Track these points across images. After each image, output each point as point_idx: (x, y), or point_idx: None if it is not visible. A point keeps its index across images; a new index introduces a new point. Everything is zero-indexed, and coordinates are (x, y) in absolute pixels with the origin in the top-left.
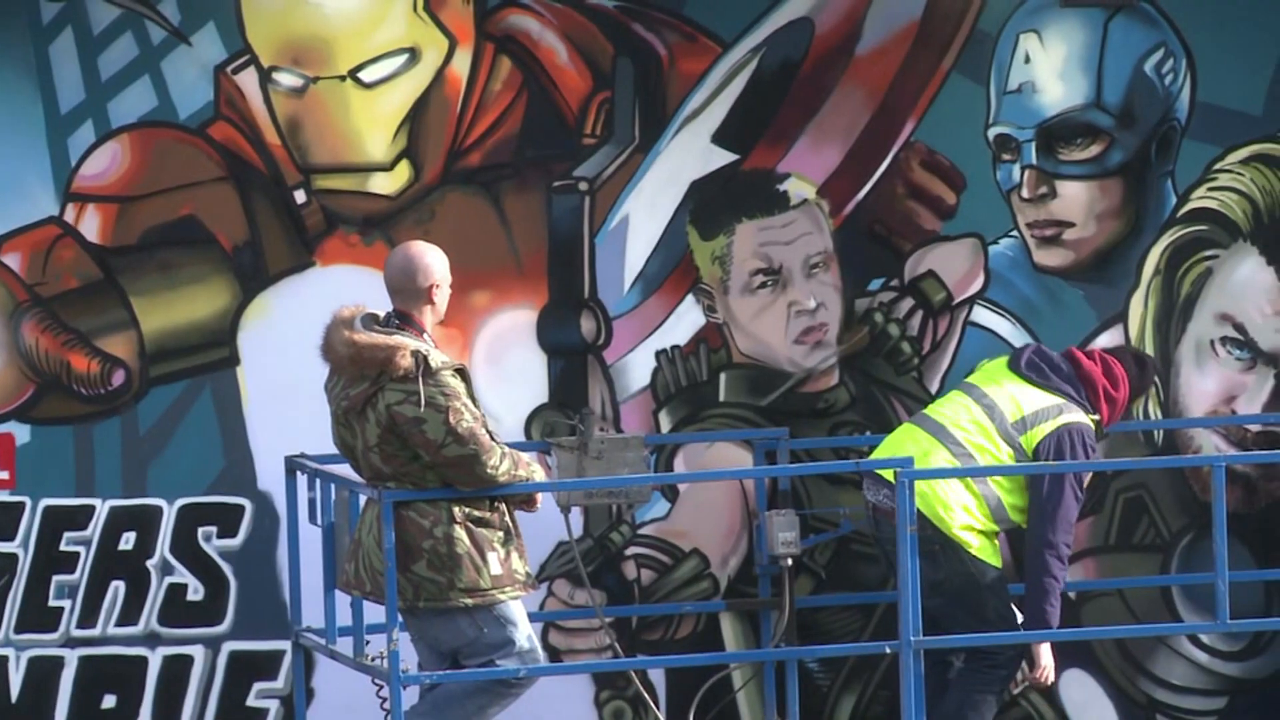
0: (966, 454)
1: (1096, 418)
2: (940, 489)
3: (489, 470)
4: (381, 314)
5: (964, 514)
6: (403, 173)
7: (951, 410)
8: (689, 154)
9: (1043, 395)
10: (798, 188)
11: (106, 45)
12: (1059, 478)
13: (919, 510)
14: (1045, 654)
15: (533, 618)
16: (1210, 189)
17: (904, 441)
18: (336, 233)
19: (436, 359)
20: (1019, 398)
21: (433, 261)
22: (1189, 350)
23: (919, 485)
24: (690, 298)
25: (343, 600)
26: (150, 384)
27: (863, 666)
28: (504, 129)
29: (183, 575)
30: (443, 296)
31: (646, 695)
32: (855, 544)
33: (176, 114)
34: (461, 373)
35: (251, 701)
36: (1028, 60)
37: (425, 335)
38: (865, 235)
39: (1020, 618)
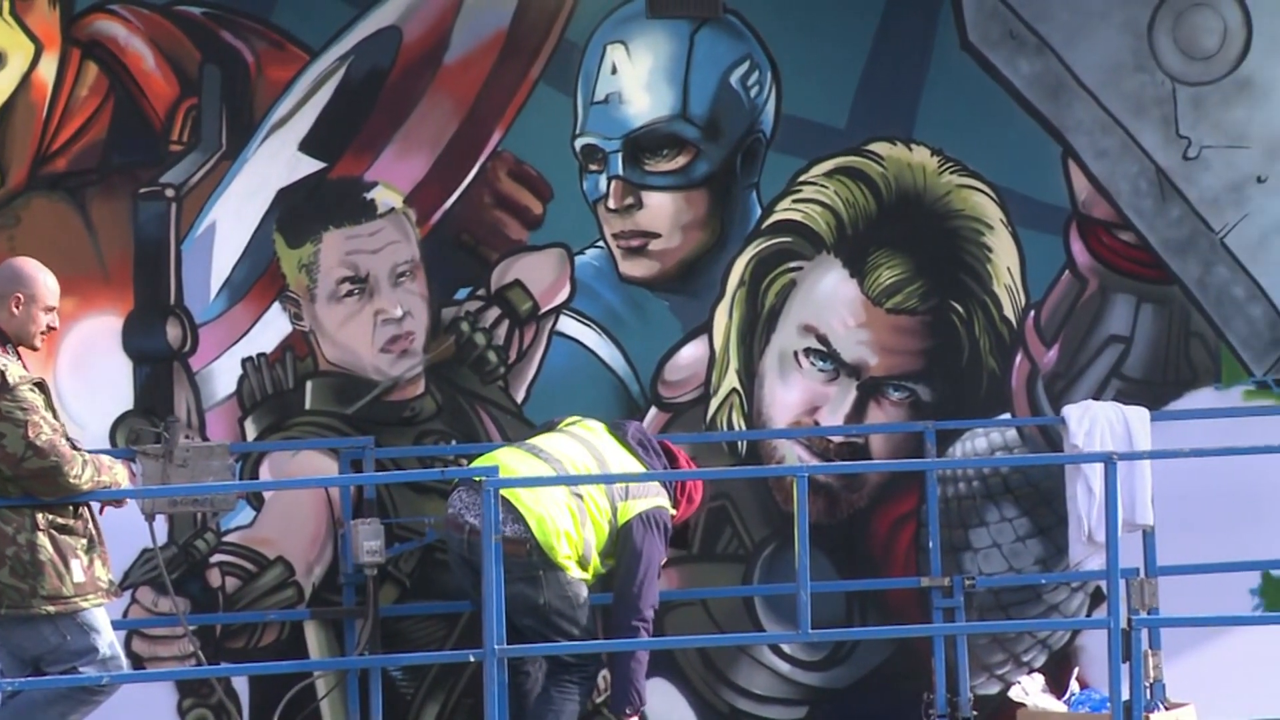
0: (577, 494)
1: (674, 512)
2: (553, 522)
3: (71, 480)
4: None
5: (567, 544)
6: None
7: (569, 450)
8: (276, 161)
9: (644, 472)
10: (385, 196)
11: None
12: (650, 556)
13: (535, 539)
14: None
15: (116, 625)
16: (795, 201)
17: (519, 467)
18: None
19: (14, 373)
20: (626, 467)
21: (11, 274)
22: (773, 361)
23: (538, 513)
24: (277, 305)
25: None
26: None
27: (446, 674)
28: (90, 135)
29: None
30: (28, 310)
31: (229, 703)
32: (439, 552)
33: None
34: (40, 386)
35: None
36: (615, 71)
37: (8, 348)
38: (452, 244)
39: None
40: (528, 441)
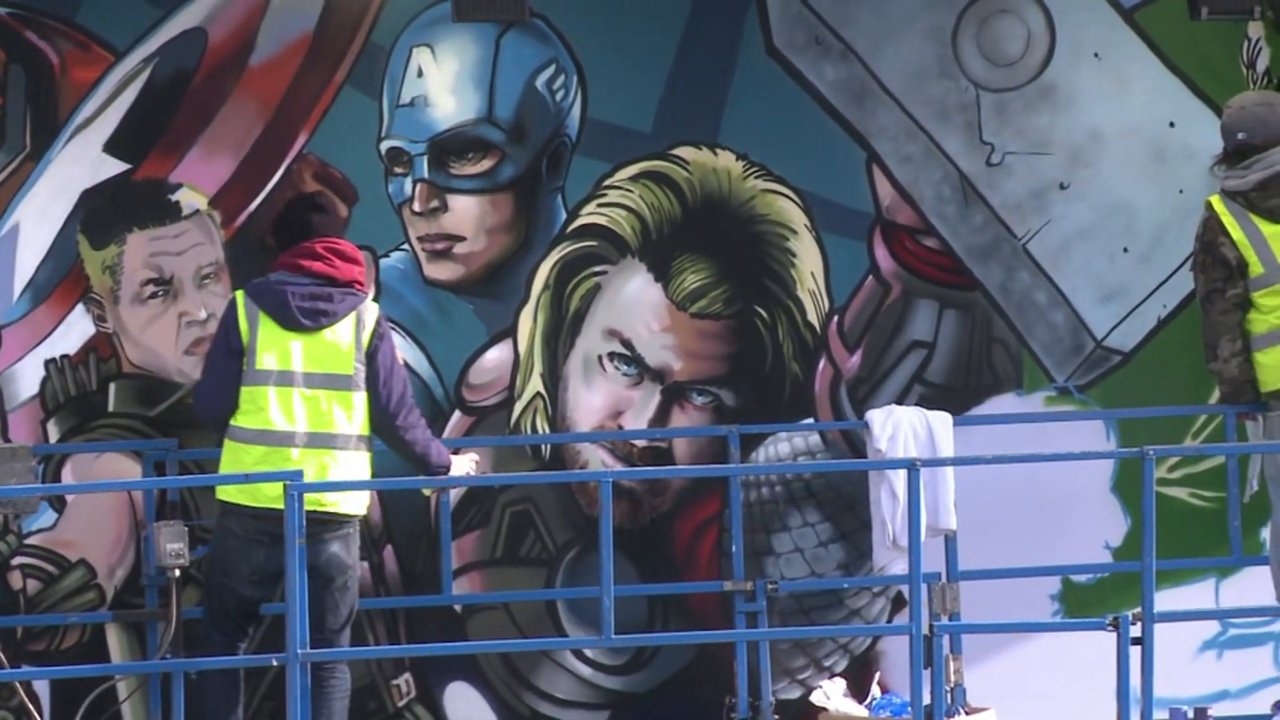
0: (355, 438)
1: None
2: (351, 475)
3: None
4: None
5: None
6: None
7: (314, 414)
8: (80, 163)
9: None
10: (189, 198)
11: None
12: (395, 363)
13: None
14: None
15: None
16: (600, 205)
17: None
18: None
19: None
20: (337, 340)
21: None
22: (577, 365)
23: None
24: (80, 307)
25: None
26: None
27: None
28: None
29: None
30: None
31: (30, 706)
32: None
33: None
34: None
35: None
36: (420, 74)
37: None
38: (257, 246)
39: None
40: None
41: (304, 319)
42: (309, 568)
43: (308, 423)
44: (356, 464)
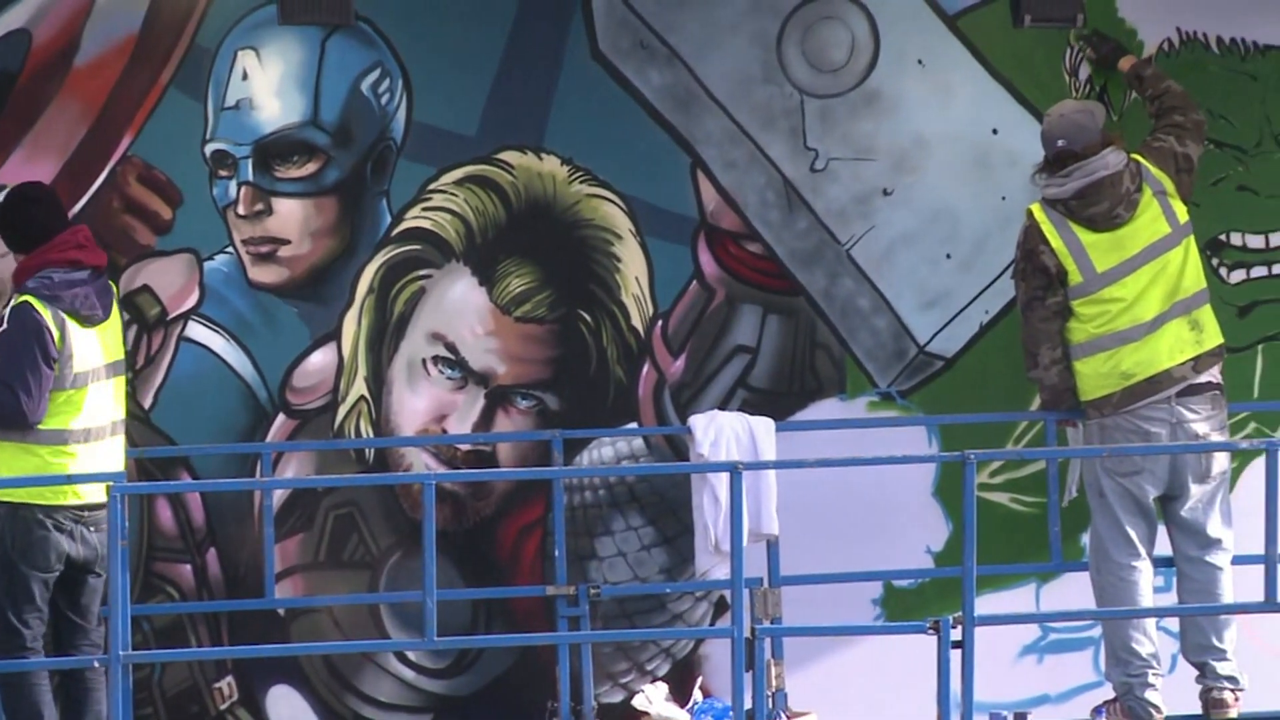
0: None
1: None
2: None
3: None
4: None
5: None
6: None
7: (116, 403)
8: None
9: None
10: None
11: None
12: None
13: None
14: None
15: None
16: (425, 209)
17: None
18: None
19: None
20: (115, 325)
21: None
22: (401, 369)
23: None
24: None
25: None
26: None
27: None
28: None
29: None
30: None
31: None
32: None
33: None
34: None
35: None
36: (245, 77)
37: None
38: None
39: None
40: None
41: (100, 311)
42: (82, 561)
43: (113, 412)
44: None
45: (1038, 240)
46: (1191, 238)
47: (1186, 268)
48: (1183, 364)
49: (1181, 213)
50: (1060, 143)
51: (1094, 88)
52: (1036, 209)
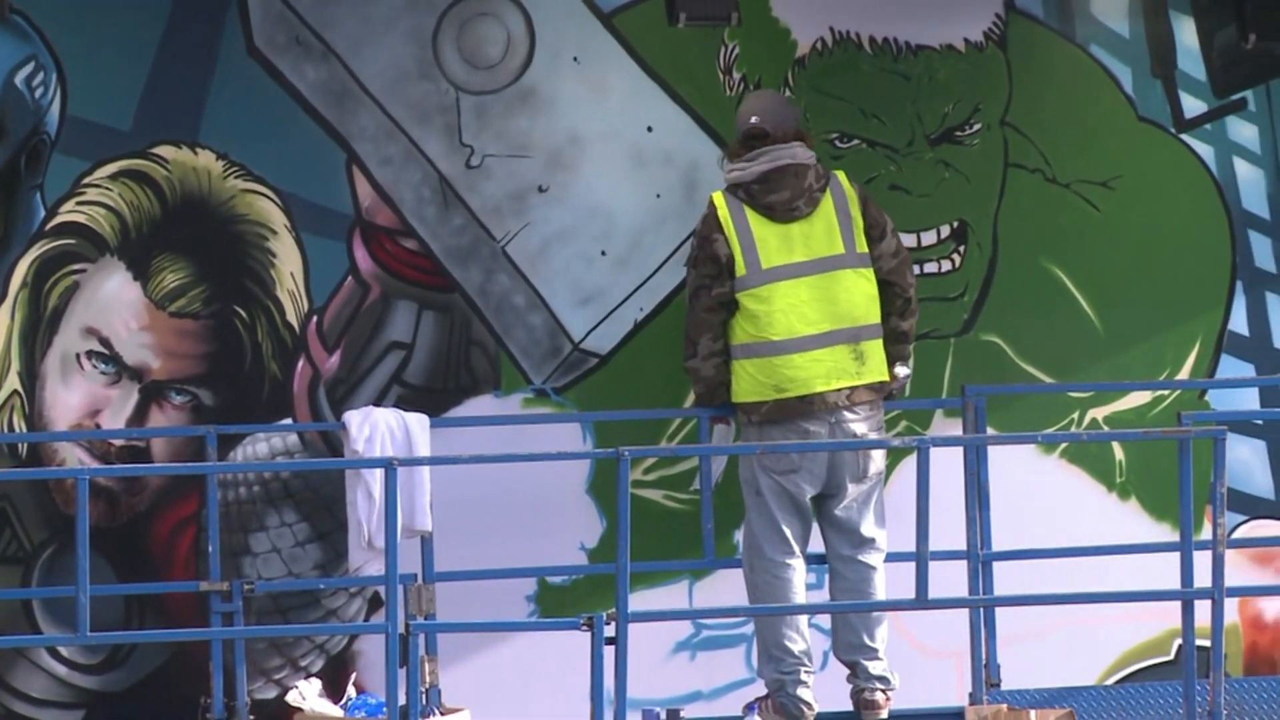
0: None
1: None
2: None
3: None
4: None
5: None
6: None
7: None
8: None
9: None
10: None
11: None
12: None
13: None
14: None
15: None
16: (79, 203)
17: None
18: None
19: None
20: None
21: None
22: (55, 364)
23: None
24: None
25: None
26: None
27: None
28: None
29: None
30: None
31: None
32: None
33: None
34: None
35: None
36: None
37: None
38: None
39: None
40: None
41: None
42: None
43: None
44: None
45: (713, 228)
46: (871, 274)
47: (857, 297)
48: (838, 390)
49: (862, 246)
50: (754, 119)
51: (749, 86)
52: (718, 196)
